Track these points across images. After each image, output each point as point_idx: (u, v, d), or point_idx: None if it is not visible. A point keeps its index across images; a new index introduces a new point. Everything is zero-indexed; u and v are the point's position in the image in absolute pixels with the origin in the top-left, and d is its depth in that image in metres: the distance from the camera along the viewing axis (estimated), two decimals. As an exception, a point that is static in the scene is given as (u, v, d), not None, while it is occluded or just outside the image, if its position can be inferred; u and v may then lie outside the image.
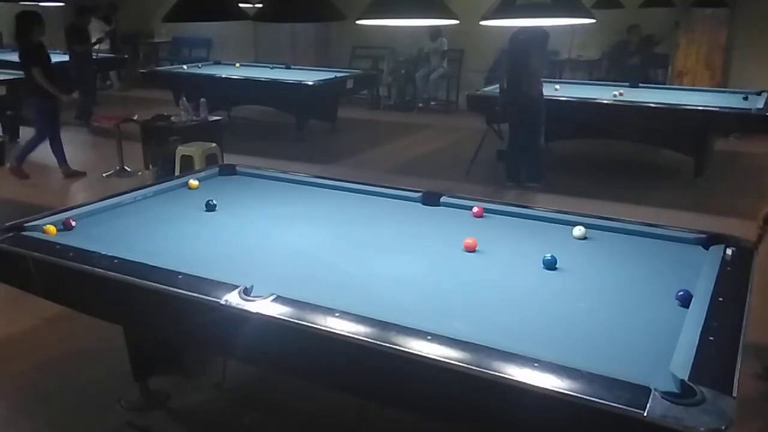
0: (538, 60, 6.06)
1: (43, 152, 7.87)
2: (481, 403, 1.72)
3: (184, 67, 9.90)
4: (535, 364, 1.64)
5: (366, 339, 1.80)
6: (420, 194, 3.21)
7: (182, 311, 2.15)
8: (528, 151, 6.38)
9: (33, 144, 6.67)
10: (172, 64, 11.26)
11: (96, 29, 11.22)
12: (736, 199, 6.01)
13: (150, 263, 2.26)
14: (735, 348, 1.76)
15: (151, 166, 6.47)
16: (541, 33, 6.02)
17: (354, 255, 2.59)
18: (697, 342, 1.77)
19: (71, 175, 6.71)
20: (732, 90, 7.56)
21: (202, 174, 3.67)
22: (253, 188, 3.49)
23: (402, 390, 1.86)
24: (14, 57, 10.41)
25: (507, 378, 1.62)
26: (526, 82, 6.06)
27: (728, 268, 2.31)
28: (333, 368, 1.97)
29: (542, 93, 6.21)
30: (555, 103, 6.74)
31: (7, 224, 2.64)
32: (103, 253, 2.35)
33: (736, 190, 6.42)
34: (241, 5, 4.22)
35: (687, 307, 2.05)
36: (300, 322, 1.90)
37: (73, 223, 2.74)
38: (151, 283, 2.15)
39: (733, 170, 7.33)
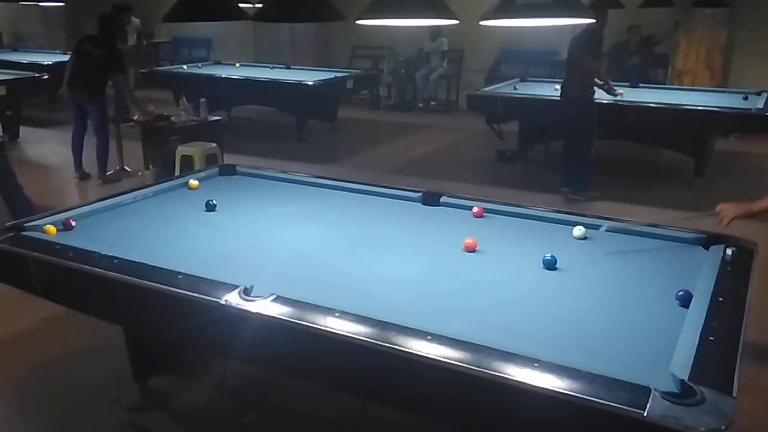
0: (579, 60, 5.79)
1: (45, 152, 7.89)
2: (481, 403, 1.72)
3: (184, 67, 9.90)
4: (535, 364, 1.64)
5: (366, 339, 1.80)
6: (420, 194, 3.21)
7: (182, 311, 2.15)
8: (569, 158, 6.18)
9: (104, 149, 6.50)
10: (172, 64, 11.26)
11: (133, 27, 11.28)
12: (736, 199, 5.92)
13: (150, 263, 2.25)
14: (735, 348, 1.76)
15: (151, 166, 6.46)
16: (585, 33, 5.76)
17: (354, 255, 2.59)
18: (697, 342, 1.77)
19: (108, 181, 6.54)
20: (732, 90, 7.56)
21: (202, 174, 3.67)
22: (253, 188, 3.49)
23: (402, 390, 1.86)
24: (14, 57, 10.52)
25: (507, 378, 1.62)
26: (572, 86, 5.85)
27: (728, 268, 2.31)
28: (333, 368, 1.97)
29: (586, 98, 5.91)
30: (555, 104, 6.74)
31: (7, 224, 2.64)
32: (103, 253, 2.35)
33: (736, 191, 6.40)
34: (241, 5, 4.22)
35: (687, 307, 2.05)
36: (300, 322, 1.90)
37: (73, 223, 2.74)
38: (151, 283, 2.15)
39: (733, 170, 7.33)
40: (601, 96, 6.32)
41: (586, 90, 5.89)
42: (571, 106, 5.90)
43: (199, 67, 9.73)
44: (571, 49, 5.89)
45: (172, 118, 6.44)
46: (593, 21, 5.63)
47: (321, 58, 11.00)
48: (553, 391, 1.56)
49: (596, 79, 5.92)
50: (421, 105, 10.66)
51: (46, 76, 8.36)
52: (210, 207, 3.06)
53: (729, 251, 2.45)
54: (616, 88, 6.18)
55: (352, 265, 2.48)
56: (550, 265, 2.41)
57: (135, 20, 11.54)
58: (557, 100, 6.35)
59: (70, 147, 6.63)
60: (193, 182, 3.41)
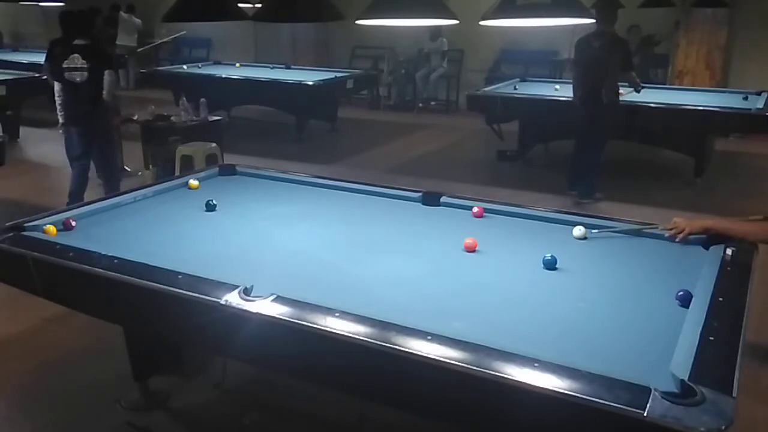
0: (617, 66, 5.80)
1: (45, 152, 7.89)
2: (481, 403, 1.72)
3: (184, 67, 9.90)
4: (535, 364, 1.64)
5: (366, 339, 1.80)
6: (420, 194, 3.21)
7: (182, 311, 2.15)
8: (586, 162, 6.05)
9: None
10: (172, 64, 11.27)
11: (132, 26, 11.30)
12: (736, 199, 6.01)
13: (150, 263, 2.25)
14: (735, 348, 1.76)
15: (151, 166, 6.46)
16: (617, 45, 5.81)
17: (354, 255, 2.59)
18: (697, 342, 1.77)
19: None
20: (732, 90, 7.56)
21: (202, 174, 3.66)
22: (253, 188, 3.49)
23: (402, 390, 1.86)
24: (14, 57, 10.53)
25: (507, 378, 1.61)
26: (606, 92, 5.76)
27: (728, 268, 2.31)
28: (333, 368, 1.97)
29: (617, 103, 5.95)
30: (555, 104, 6.75)
31: (7, 224, 2.64)
32: (103, 253, 2.35)
33: (736, 190, 6.43)
34: (241, 5, 4.23)
35: (687, 307, 2.05)
36: (300, 322, 1.90)
37: (73, 223, 2.74)
38: (151, 283, 2.15)
39: (733, 170, 7.33)
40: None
41: (617, 95, 5.94)
42: (600, 112, 5.82)
43: (199, 67, 9.74)
44: (598, 58, 5.75)
45: (172, 118, 6.45)
46: (612, 27, 5.72)
47: (321, 58, 11.01)
48: (553, 391, 1.56)
49: (633, 85, 6.08)
50: (421, 105, 10.67)
51: (45, 77, 8.36)
52: (210, 207, 3.05)
53: (729, 251, 2.44)
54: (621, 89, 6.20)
55: (352, 265, 2.48)
56: (550, 265, 2.41)
57: (136, 20, 11.57)
58: (566, 101, 6.33)
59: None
60: (193, 182, 3.41)
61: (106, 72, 5.37)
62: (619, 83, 5.99)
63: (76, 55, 5.28)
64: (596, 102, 5.80)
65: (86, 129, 5.49)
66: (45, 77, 6.73)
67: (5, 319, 3.85)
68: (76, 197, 5.32)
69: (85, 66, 5.28)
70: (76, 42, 5.32)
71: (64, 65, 5.29)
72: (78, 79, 5.31)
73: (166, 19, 3.36)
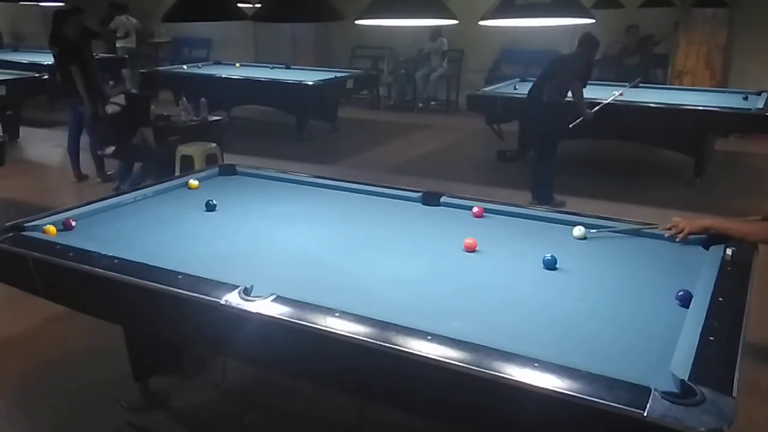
0: (567, 78, 5.69)
1: (44, 152, 7.90)
2: (481, 403, 1.72)
3: (184, 67, 9.90)
4: (535, 364, 1.64)
5: (366, 339, 1.80)
6: (420, 194, 3.21)
7: (182, 311, 2.15)
8: (537, 165, 5.99)
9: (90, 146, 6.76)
10: (172, 64, 11.26)
11: (128, 26, 11.28)
12: (736, 199, 6.01)
13: (150, 263, 2.25)
14: (735, 348, 1.76)
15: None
16: (581, 60, 5.71)
17: (354, 255, 2.59)
18: (697, 342, 1.77)
19: (107, 180, 6.58)
20: (732, 90, 7.56)
21: (202, 174, 3.66)
22: (253, 188, 3.49)
23: (402, 390, 1.86)
24: (14, 57, 10.53)
25: (507, 378, 1.61)
26: (548, 91, 5.70)
27: (728, 268, 2.31)
28: (333, 368, 1.97)
29: (559, 103, 5.75)
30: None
31: (7, 224, 2.64)
32: (103, 253, 2.35)
33: (736, 190, 6.43)
34: (240, 5, 4.22)
35: (687, 307, 2.05)
36: (300, 322, 1.90)
37: (73, 223, 2.74)
38: (151, 283, 2.15)
39: (733, 170, 7.34)
40: (601, 96, 6.32)
41: (561, 97, 5.82)
42: (542, 109, 5.78)
43: (199, 67, 9.74)
44: (560, 61, 5.82)
45: (172, 118, 6.44)
46: (590, 48, 5.67)
47: (321, 58, 11.01)
48: (553, 391, 1.56)
49: (576, 100, 5.80)
50: (421, 105, 10.66)
51: (46, 76, 8.36)
52: (210, 207, 3.05)
53: (729, 251, 2.44)
54: (614, 91, 6.16)
55: (352, 265, 2.48)
56: (550, 265, 2.41)
57: (134, 20, 11.56)
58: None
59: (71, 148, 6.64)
60: (193, 182, 3.41)
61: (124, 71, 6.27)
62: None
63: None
64: (539, 98, 5.74)
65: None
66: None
67: (5, 319, 3.85)
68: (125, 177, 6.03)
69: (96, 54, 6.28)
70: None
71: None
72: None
73: (166, 19, 3.36)
